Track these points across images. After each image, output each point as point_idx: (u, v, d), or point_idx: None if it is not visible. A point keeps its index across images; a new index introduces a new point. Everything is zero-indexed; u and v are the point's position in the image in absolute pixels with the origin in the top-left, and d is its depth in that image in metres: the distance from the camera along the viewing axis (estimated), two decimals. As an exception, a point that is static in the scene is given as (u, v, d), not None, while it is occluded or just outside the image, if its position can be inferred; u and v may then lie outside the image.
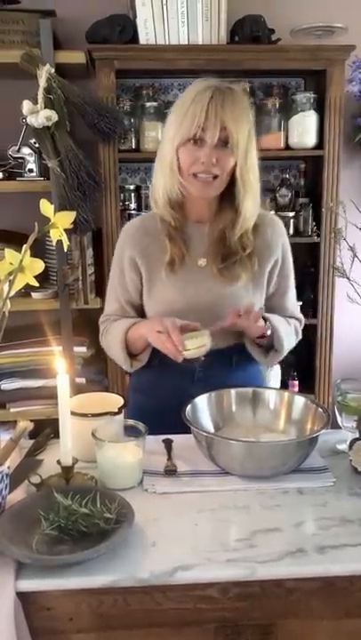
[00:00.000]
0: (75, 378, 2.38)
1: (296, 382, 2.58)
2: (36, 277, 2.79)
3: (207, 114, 1.30)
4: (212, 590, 0.98)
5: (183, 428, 1.28)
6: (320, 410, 1.35)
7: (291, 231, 2.44)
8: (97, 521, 0.99)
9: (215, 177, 1.38)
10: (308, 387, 2.54)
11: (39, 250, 2.43)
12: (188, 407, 1.32)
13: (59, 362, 1.12)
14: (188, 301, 1.47)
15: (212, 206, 1.48)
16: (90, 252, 2.29)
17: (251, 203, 1.43)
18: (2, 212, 2.43)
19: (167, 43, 2.23)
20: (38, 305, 2.35)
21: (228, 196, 1.44)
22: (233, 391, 1.41)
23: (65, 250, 1.19)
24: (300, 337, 1.63)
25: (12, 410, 2.37)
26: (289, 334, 1.54)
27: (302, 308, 1.61)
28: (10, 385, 2.37)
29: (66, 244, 1.15)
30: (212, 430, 1.34)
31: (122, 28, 2.21)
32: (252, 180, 1.41)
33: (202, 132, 1.33)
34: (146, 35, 2.22)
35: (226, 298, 1.48)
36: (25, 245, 1.15)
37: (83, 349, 2.40)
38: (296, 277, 1.63)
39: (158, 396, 1.53)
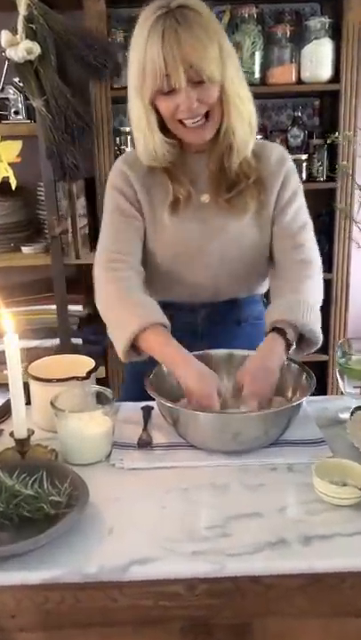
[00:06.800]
0: (70, 339, 2.25)
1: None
2: (26, 231, 2.58)
3: (165, 58, 1.12)
4: (176, 587, 0.83)
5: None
6: (304, 374, 1.19)
7: (303, 176, 2.21)
8: (42, 505, 0.85)
9: (206, 116, 1.21)
10: (321, 347, 2.34)
11: (30, 201, 2.27)
12: (152, 374, 1.17)
13: (5, 319, 0.97)
14: (194, 245, 1.30)
15: None
16: (82, 202, 2.12)
17: (240, 124, 1.24)
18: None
19: None
20: (29, 260, 2.20)
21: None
22: (203, 353, 1.22)
23: (13, 187, 1.02)
24: (322, 286, 1.42)
25: (4, 372, 2.25)
26: (312, 313, 1.31)
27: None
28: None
29: (14, 182, 0.98)
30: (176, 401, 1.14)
31: None
32: (237, 101, 1.22)
33: (167, 81, 1.15)
34: None
35: (234, 238, 1.31)
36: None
37: (78, 308, 2.26)
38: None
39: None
